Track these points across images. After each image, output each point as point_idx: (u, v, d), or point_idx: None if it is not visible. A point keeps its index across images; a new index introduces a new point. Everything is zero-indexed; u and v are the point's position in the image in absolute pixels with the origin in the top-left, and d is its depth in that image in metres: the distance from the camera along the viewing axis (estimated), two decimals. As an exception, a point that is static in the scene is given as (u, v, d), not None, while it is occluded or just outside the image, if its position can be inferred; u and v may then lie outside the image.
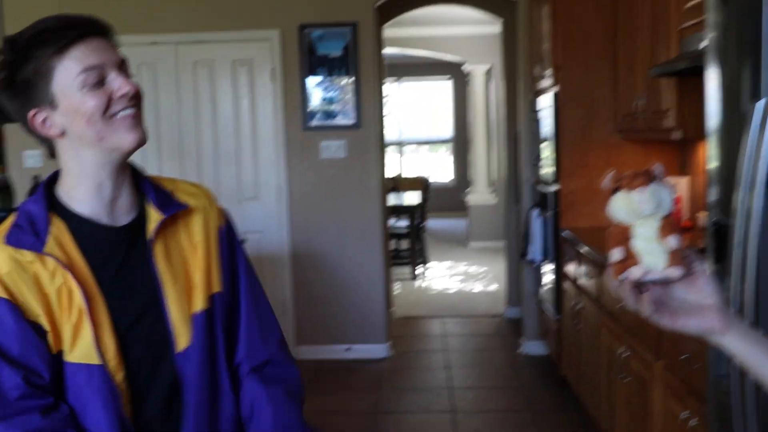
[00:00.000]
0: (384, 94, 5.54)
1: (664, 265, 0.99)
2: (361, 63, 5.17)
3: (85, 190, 1.34)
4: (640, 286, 1.01)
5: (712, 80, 1.95)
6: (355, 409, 4.43)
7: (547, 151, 4.66)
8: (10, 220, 1.33)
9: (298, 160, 5.23)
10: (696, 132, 3.25)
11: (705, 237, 2.03)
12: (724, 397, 1.85)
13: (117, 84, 1.29)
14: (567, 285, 4.29)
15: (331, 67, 5.20)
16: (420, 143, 13.33)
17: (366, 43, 5.17)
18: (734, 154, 1.75)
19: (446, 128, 12.77)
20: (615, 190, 1.06)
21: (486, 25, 7.73)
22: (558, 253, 4.47)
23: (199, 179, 5.19)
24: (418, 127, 12.97)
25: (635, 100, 3.83)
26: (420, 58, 10.25)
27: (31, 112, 1.30)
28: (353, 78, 5.17)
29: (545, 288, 4.83)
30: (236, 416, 1.42)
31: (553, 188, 4.50)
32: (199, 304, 1.37)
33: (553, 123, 4.42)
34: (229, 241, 1.47)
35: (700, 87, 2.94)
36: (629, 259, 1.00)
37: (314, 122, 5.24)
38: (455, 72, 11.53)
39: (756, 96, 1.66)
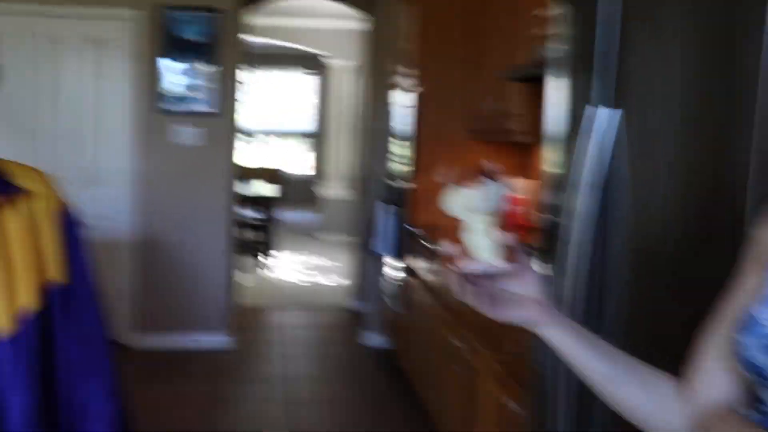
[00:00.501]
0: (245, 82, 5.45)
1: (492, 258, 1.04)
2: (223, 50, 5.05)
3: None
4: (469, 278, 1.05)
5: (551, 87, 2.05)
6: (191, 399, 4.33)
7: (401, 148, 4.73)
8: None
9: (150, 145, 5.04)
10: (540, 136, 3.40)
11: (539, 235, 2.13)
12: (541, 383, 1.95)
13: None
14: (410, 278, 4.39)
15: (190, 52, 5.03)
16: (281, 134, 13.22)
17: (229, 29, 5.05)
18: (568, 159, 1.84)
19: (308, 121, 12.74)
20: (451, 185, 1.10)
21: (353, 21, 7.77)
22: (403, 248, 4.56)
23: (39, 160, 4.86)
24: (280, 118, 12.86)
25: (485, 102, 3.97)
26: (287, 49, 10.16)
27: None
28: (213, 64, 5.04)
29: (389, 281, 4.92)
30: None
31: (404, 184, 4.58)
32: (26, 296, 1.17)
33: (413, 121, 4.50)
34: (68, 229, 1.26)
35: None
36: (461, 252, 1.04)
37: (169, 106, 5.05)
38: (320, 65, 11.52)
39: (595, 103, 1.76)
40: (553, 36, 2.04)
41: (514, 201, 4.11)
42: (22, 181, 1.21)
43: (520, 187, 4.18)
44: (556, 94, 2.02)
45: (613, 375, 1.07)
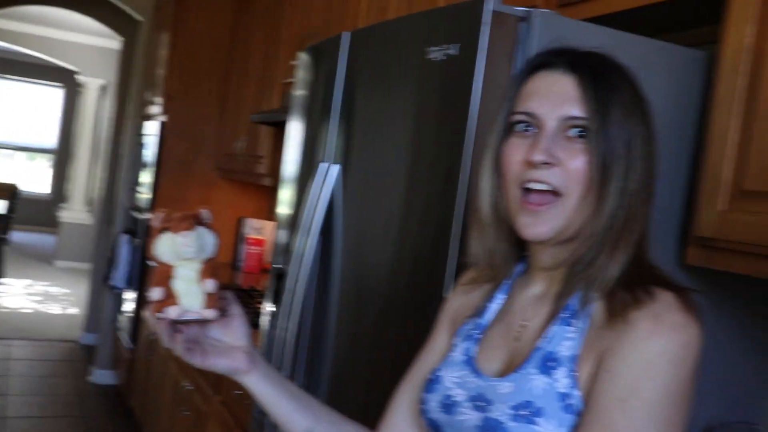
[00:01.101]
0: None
1: (200, 306, 1.03)
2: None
3: None
4: (177, 325, 1.03)
5: (293, 134, 2.10)
6: None
7: (147, 177, 4.58)
8: None
9: None
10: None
11: (268, 279, 2.15)
12: (261, 429, 1.96)
13: None
14: (146, 314, 4.22)
15: None
16: (17, 149, 12.19)
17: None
18: (297, 204, 1.90)
19: (50, 137, 11.88)
20: (163, 230, 1.08)
21: (105, 39, 7.44)
22: (142, 282, 4.39)
23: None
24: (20, 131, 11.87)
25: (237, 142, 3.97)
26: (32, 58, 9.46)
27: None
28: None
29: (124, 316, 4.70)
30: None
31: (146, 216, 4.43)
32: None
33: (157, 151, 4.38)
34: None
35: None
36: (169, 299, 1.03)
37: None
38: (68, 80, 10.85)
39: (323, 155, 1.83)
40: (295, 85, 2.11)
41: (257, 243, 4.13)
42: None
43: (267, 229, 4.21)
44: (293, 141, 2.08)
45: (314, 429, 1.10)
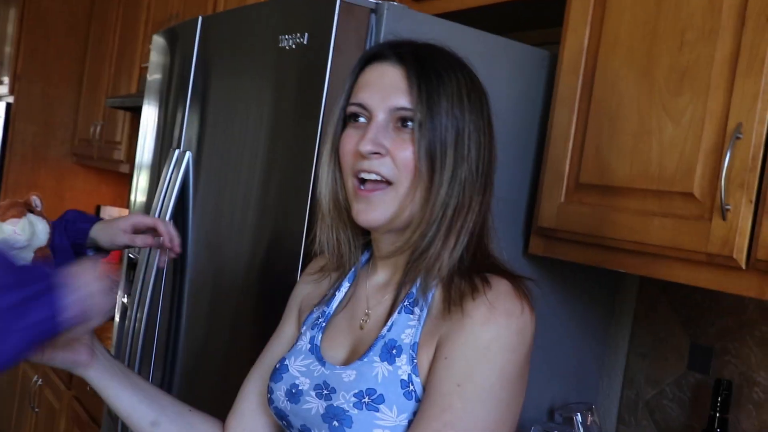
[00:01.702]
0: None
1: None
2: None
3: None
4: None
5: (147, 119, 2.04)
6: None
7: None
8: None
9: None
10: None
11: (120, 269, 2.08)
12: (113, 424, 1.90)
13: None
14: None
15: None
16: None
17: None
18: (150, 190, 1.85)
19: None
20: None
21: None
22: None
23: None
24: None
25: (93, 126, 3.81)
26: None
27: None
28: None
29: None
30: None
31: (-6, 203, 4.18)
32: None
33: (1, 135, 4.12)
34: None
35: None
36: None
37: None
38: None
39: (177, 141, 1.78)
40: (149, 69, 2.05)
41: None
42: None
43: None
44: (148, 126, 2.02)
45: (159, 420, 1.08)
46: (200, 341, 1.65)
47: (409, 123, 0.93)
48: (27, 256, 1.01)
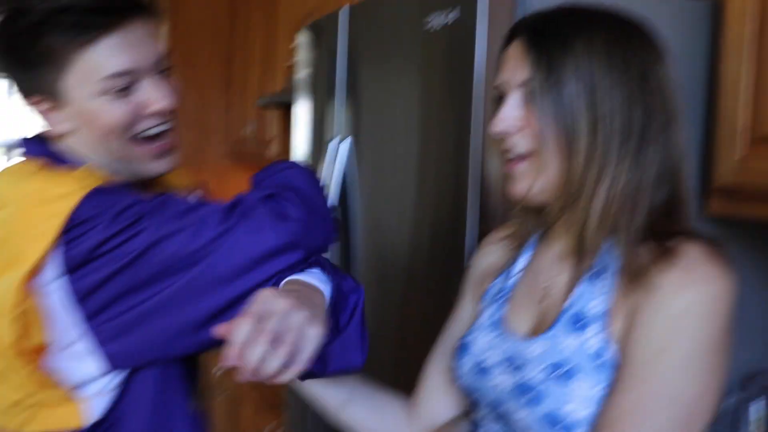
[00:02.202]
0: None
1: None
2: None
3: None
4: None
5: (301, 115, 2.11)
6: None
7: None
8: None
9: None
10: (295, 162, 3.48)
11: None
12: (296, 409, 1.99)
13: (150, 95, 1.00)
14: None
15: None
16: None
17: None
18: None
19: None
20: None
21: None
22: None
23: None
24: None
25: (246, 126, 3.97)
26: None
27: (34, 98, 0.98)
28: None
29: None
30: None
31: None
32: None
33: (167, 142, 4.38)
34: None
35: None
36: None
37: None
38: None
39: (332, 133, 1.83)
40: (297, 65, 2.11)
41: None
42: (176, 182, 1.18)
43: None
44: (301, 121, 2.08)
45: (346, 401, 1.12)
46: (373, 327, 1.69)
47: (535, 94, 0.90)
48: None
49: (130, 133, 1.02)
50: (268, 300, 0.79)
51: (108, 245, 0.91)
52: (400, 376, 1.57)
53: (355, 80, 1.74)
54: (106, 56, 0.98)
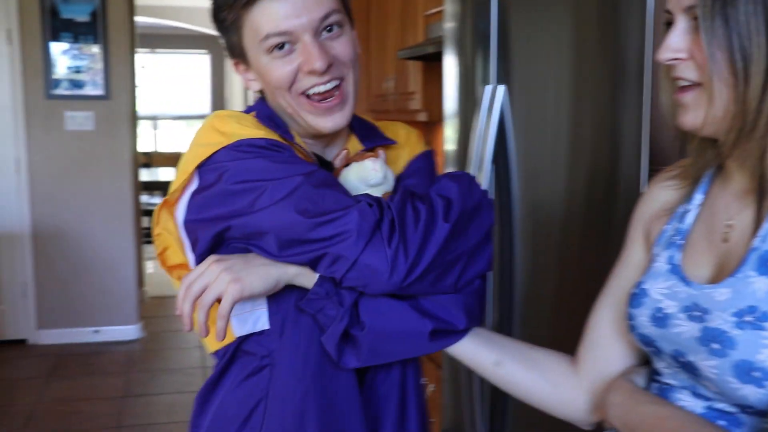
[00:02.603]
0: (136, 64, 5.29)
1: None
2: (111, 30, 4.89)
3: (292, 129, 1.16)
4: None
5: (450, 66, 2.09)
6: (103, 393, 4.23)
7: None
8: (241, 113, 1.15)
9: (41, 131, 4.85)
10: (439, 114, 3.47)
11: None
12: (456, 363, 2.01)
13: (304, 56, 1.07)
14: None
15: (77, 33, 4.86)
16: (176, 118, 12.89)
17: (116, 8, 4.89)
18: (467, 136, 1.89)
19: (203, 103, 12.46)
20: (347, 164, 1.12)
21: None
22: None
23: None
24: (175, 100, 12.52)
25: (386, 81, 4.00)
26: (176, 28, 9.89)
27: (234, 61, 1.13)
28: (102, 45, 4.88)
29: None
30: None
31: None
32: None
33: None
34: (422, 166, 1.25)
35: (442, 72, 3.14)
36: None
37: (59, 91, 4.88)
38: (212, 46, 11.28)
39: (486, 82, 1.81)
40: (451, 16, 2.08)
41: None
42: (390, 134, 1.25)
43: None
44: (455, 72, 2.06)
45: (503, 361, 1.12)
46: (531, 281, 1.68)
47: (704, 18, 0.85)
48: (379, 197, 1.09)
49: (297, 90, 1.09)
50: (198, 268, 1.03)
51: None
52: (560, 330, 1.55)
53: (506, 27, 1.71)
54: (263, 20, 1.06)
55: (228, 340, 1.12)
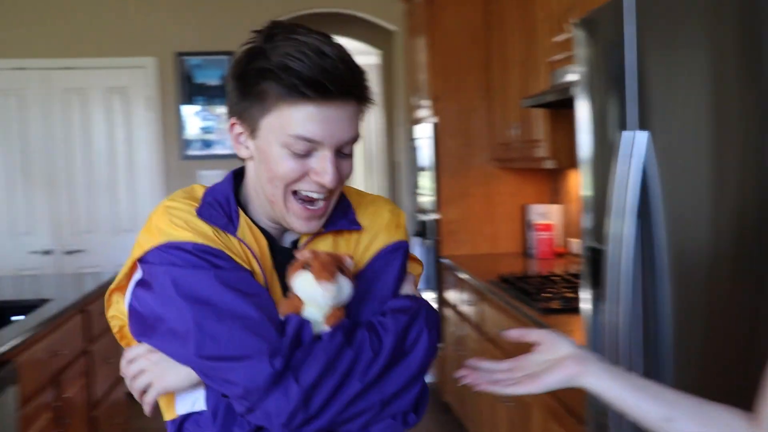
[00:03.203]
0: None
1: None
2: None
3: (259, 205, 1.23)
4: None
5: (583, 112, 2.03)
6: None
7: (426, 180, 4.73)
8: (196, 196, 1.25)
9: (177, 189, 5.09)
10: (567, 161, 3.39)
11: (581, 262, 2.10)
12: (602, 417, 1.91)
13: (319, 167, 1.13)
14: (448, 312, 4.35)
15: (209, 96, 5.15)
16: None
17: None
18: (604, 183, 1.83)
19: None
20: (304, 266, 1.12)
21: (364, 56, 7.83)
22: (439, 281, 4.53)
23: (72, 210, 5.00)
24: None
25: (509, 130, 3.96)
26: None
27: (233, 119, 1.19)
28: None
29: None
30: None
31: (433, 216, 4.57)
32: None
33: (433, 153, 4.51)
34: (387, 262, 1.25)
35: (569, 118, 3.08)
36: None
37: (192, 151, 5.15)
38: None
39: (623, 127, 1.74)
40: (581, 61, 2.03)
41: (545, 228, 4.09)
42: (371, 211, 1.29)
43: (552, 213, 4.16)
44: (589, 118, 2.01)
45: (674, 417, 1.04)
46: (678, 332, 1.58)
47: None
48: (324, 312, 1.11)
49: (292, 187, 1.15)
50: (136, 349, 1.19)
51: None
52: (711, 379, 1.45)
53: (643, 70, 1.65)
54: (300, 119, 1.10)
55: (172, 415, 1.20)
